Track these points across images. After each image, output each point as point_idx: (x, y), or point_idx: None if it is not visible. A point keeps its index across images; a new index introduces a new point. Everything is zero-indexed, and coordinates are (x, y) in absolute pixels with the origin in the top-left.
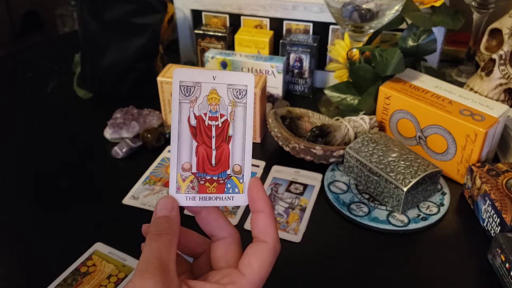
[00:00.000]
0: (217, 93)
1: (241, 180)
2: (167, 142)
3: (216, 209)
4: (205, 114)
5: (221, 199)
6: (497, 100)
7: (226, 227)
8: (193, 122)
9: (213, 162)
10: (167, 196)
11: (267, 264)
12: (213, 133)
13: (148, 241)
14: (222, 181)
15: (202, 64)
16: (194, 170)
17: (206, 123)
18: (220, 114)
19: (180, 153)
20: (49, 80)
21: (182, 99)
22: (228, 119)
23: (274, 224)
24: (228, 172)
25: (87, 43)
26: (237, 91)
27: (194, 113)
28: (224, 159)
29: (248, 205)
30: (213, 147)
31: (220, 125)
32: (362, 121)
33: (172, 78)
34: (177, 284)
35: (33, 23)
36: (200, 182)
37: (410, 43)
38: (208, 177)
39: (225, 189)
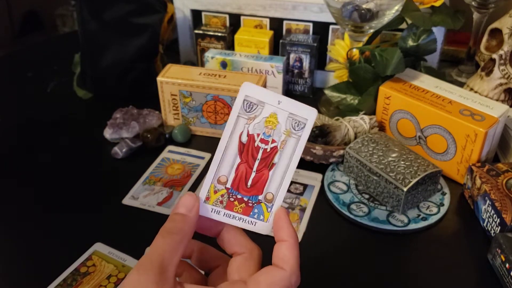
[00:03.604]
0: (277, 118)
1: (269, 209)
2: (167, 142)
3: (234, 227)
4: (258, 135)
5: (244, 221)
6: (497, 100)
7: (245, 244)
8: (244, 139)
9: (249, 183)
10: (191, 194)
11: None
12: (259, 156)
13: (157, 237)
14: (251, 204)
15: (202, 64)
16: (228, 185)
17: (256, 144)
18: (272, 140)
19: (220, 165)
20: (49, 80)
21: (241, 113)
22: (278, 147)
23: (296, 255)
24: (260, 197)
25: (87, 43)
26: (296, 122)
27: (248, 130)
28: (260, 183)
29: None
30: (254, 169)
31: (268, 150)
32: (362, 121)
33: (239, 91)
34: (172, 286)
35: (33, 23)
36: (230, 199)
37: (410, 43)
38: (239, 196)
39: (251, 213)
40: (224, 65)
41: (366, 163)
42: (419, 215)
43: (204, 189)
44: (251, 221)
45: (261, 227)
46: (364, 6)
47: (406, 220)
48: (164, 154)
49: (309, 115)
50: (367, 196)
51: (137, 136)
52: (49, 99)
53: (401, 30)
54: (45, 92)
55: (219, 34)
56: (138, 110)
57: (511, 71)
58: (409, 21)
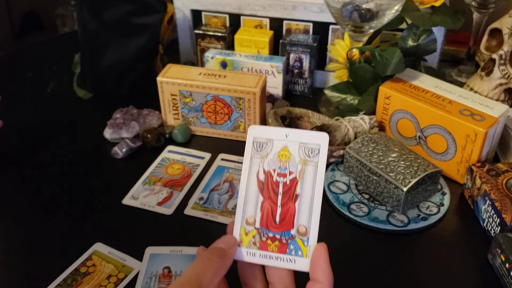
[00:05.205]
0: (288, 151)
1: (305, 243)
2: (167, 142)
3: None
4: (274, 170)
5: (282, 260)
6: (497, 100)
7: (285, 280)
8: (262, 177)
9: (277, 219)
10: (231, 236)
11: None
12: (280, 190)
13: (198, 260)
14: (284, 241)
15: (202, 64)
16: (257, 225)
17: (274, 179)
18: (289, 171)
19: (246, 206)
20: (49, 80)
21: (253, 154)
22: (297, 177)
23: None
24: (292, 232)
25: (87, 43)
26: (309, 150)
27: (263, 168)
28: (289, 217)
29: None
30: (279, 203)
31: (288, 182)
32: (362, 121)
33: (247, 134)
34: None
35: (33, 23)
36: (262, 238)
37: (410, 43)
38: (270, 235)
39: (288, 250)
40: (224, 65)
41: (366, 163)
42: (419, 215)
43: (235, 233)
44: (289, 259)
45: (301, 264)
46: (364, 6)
47: (406, 220)
48: (164, 154)
49: (320, 140)
50: (367, 196)
51: (137, 136)
52: (49, 99)
53: (401, 30)
54: (45, 92)
55: (219, 34)
56: (138, 110)
57: (511, 71)
58: (409, 21)
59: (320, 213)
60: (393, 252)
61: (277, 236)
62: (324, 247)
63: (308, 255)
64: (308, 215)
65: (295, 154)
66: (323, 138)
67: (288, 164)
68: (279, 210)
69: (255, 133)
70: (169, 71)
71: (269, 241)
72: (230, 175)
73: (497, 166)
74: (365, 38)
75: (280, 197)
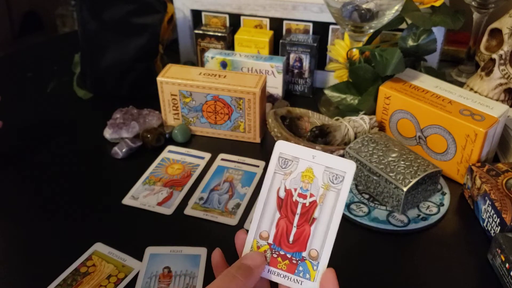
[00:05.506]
0: (313, 173)
1: (315, 267)
2: (167, 142)
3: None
4: (295, 190)
5: (289, 279)
6: (497, 100)
7: None
8: (282, 194)
9: (291, 239)
10: (260, 253)
11: None
12: (298, 211)
13: (223, 277)
14: (294, 261)
15: (202, 64)
16: (270, 240)
17: (294, 199)
18: (310, 194)
19: (261, 221)
20: (49, 80)
21: (277, 170)
22: (317, 201)
23: None
24: (304, 254)
25: (87, 43)
26: (334, 176)
27: (285, 185)
28: (302, 239)
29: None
30: (295, 224)
31: (307, 204)
32: (362, 121)
33: (274, 148)
34: None
35: (33, 23)
36: (273, 255)
37: (410, 43)
38: (282, 252)
39: (296, 271)
40: (224, 65)
41: (366, 163)
42: (419, 215)
43: (247, 245)
44: (296, 280)
45: (308, 287)
46: (364, 6)
47: (406, 220)
48: (164, 154)
49: (347, 168)
50: (367, 196)
51: (137, 136)
52: (49, 99)
53: (401, 30)
54: (45, 92)
55: (219, 34)
56: (138, 110)
57: (511, 71)
58: (409, 21)
59: (334, 241)
60: (393, 252)
61: (288, 256)
62: (333, 272)
63: (316, 279)
64: (322, 240)
65: (319, 177)
66: (350, 167)
67: (310, 186)
68: (294, 230)
69: (282, 149)
70: (169, 71)
71: (279, 259)
72: (230, 175)
73: (497, 166)
74: (365, 38)
75: (297, 217)
